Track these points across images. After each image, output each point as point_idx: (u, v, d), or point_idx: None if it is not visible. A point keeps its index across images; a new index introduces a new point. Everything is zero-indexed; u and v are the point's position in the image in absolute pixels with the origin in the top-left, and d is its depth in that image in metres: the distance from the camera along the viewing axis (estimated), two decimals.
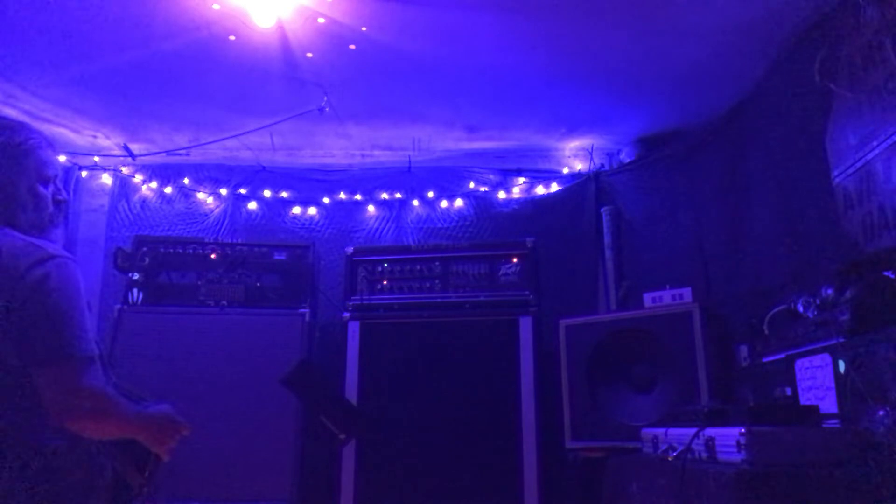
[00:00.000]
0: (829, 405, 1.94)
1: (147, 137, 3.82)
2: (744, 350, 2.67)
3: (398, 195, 4.06)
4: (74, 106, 3.44)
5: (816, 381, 2.04)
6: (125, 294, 3.23)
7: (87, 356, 1.39)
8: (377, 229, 4.02)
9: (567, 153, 4.06)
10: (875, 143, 2.21)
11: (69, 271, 1.45)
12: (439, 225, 4.01)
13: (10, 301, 1.37)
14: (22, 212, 1.53)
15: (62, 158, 3.82)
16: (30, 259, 1.41)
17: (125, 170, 3.97)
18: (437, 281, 3.27)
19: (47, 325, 1.37)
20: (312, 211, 4.03)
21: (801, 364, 2.14)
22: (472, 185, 4.07)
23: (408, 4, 2.59)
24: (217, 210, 3.98)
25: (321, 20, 2.68)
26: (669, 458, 1.88)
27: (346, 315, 3.20)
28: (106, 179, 3.98)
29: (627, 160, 3.91)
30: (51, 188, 1.61)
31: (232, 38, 2.80)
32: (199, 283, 3.28)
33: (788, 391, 2.21)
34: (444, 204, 4.04)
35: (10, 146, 1.55)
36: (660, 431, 2.05)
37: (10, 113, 3.34)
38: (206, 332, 3.13)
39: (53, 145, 1.67)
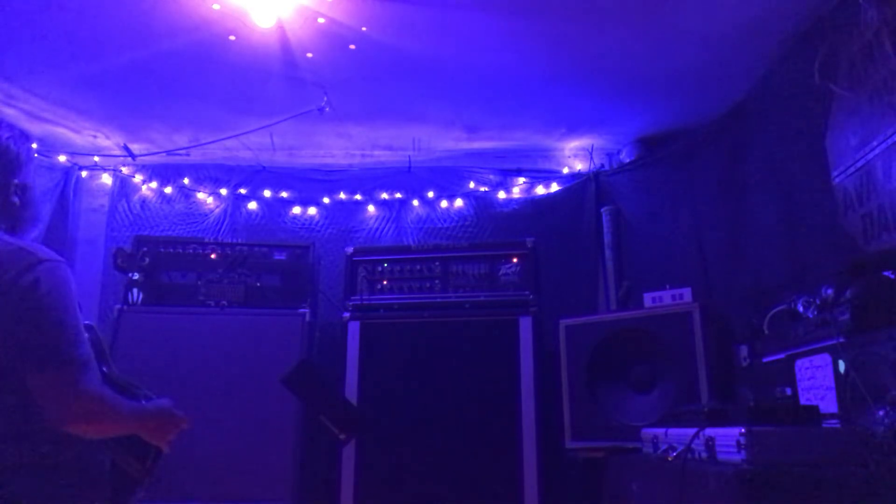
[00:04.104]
0: (829, 405, 1.94)
1: (147, 137, 3.82)
2: (744, 350, 2.67)
3: (398, 195, 4.06)
4: (74, 106, 3.45)
5: (816, 381, 2.04)
6: (125, 294, 3.23)
7: (82, 360, 1.38)
8: (377, 229, 4.02)
9: (567, 153, 4.06)
10: (875, 143, 2.21)
11: (60, 274, 1.43)
12: (439, 225, 4.01)
13: (1, 307, 1.35)
14: (7, 212, 1.51)
15: (62, 158, 3.83)
16: (19, 264, 1.38)
17: (125, 170, 3.97)
18: (437, 281, 3.27)
19: (41, 331, 1.36)
20: (312, 211, 4.03)
21: (801, 364, 2.14)
22: (472, 185, 4.07)
23: (408, 4, 2.59)
24: (217, 210, 3.98)
25: (321, 20, 2.68)
26: (669, 458, 1.88)
27: (346, 315, 3.20)
28: (106, 179, 3.98)
29: (627, 160, 3.91)
30: (29, 184, 1.58)
31: (232, 38, 2.80)
32: (199, 283, 3.28)
33: (788, 391, 2.21)
34: (444, 204, 4.04)
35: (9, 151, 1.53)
36: (660, 431, 2.05)
37: (10, 113, 3.34)
38: (206, 332, 3.13)
39: (30, 139, 1.64)
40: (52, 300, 1.38)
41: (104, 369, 1.61)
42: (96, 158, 3.93)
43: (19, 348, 1.35)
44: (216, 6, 2.60)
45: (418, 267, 3.29)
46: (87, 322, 1.65)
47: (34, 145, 1.64)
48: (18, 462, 1.36)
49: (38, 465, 1.38)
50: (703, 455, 1.75)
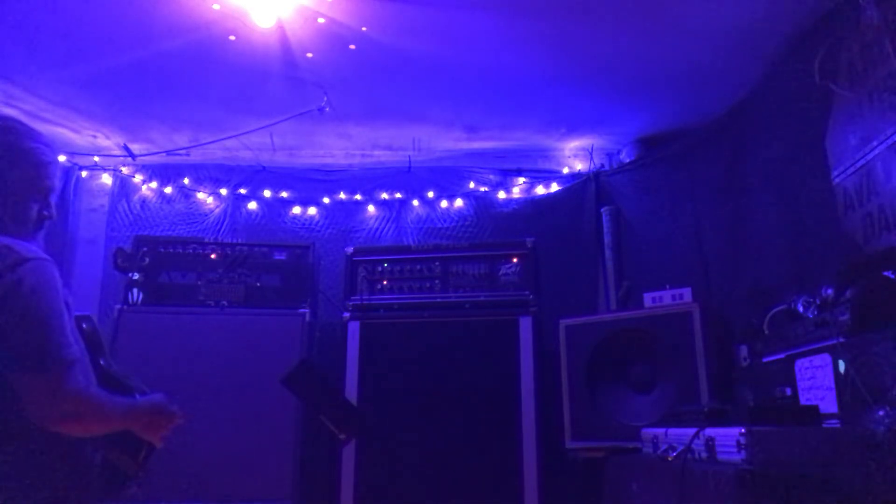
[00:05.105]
0: (829, 405, 1.94)
1: (147, 137, 3.82)
2: (744, 350, 2.67)
3: (398, 195, 4.06)
4: (74, 106, 3.44)
5: (816, 381, 2.04)
6: (125, 294, 3.23)
7: (67, 361, 1.37)
8: (377, 229, 4.02)
9: (567, 153, 4.06)
10: (875, 143, 2.21)
11: (44, 274, 1.41)
12: (439, 225, 4.01)
13: None
14: (35, 223, 1.52)
15: (62, 158, 3.82)
16: (3, 263, 1.38)
17: (125, 170, 3.97)
18: (437, 281, 3.27)
19: (26, 332, 1.35)
20: (312, 211, 4.03)
21: (801, 364, 2.14)
22: (472, 185, 4.07)
23: (408, 4, 2.59)
24: (217, 210, 3.98)
25: (321, 20, 2.68)
26: (669, 458, 1.88)
27: (346, 315, 3.20)
28: (106, 179, 3.98)
29: (627, 160, 3.91)
30: (40, 203, 1.57)
31: (232, 38, 2.80)
32: (199, 283, 3.28)
33: (788, 391, 2.21)
34: (444, 204, 4.04)
35: (15, 150, 1.53)
36: (660, 431, 2.05)
37: (10, 113, 3.34)
38: (206, 332, 3.13)
39: (57, 160, 1.65)
40: (35, 300, 1.37)
41: (101, 362, 1.61)
42: (96, 158, 3.92)
43: (5, 348, 1.34)
44: (216, 6, 2.60)
45: (418, 267, 3.29)
46: (84, 313, 1.64)
47: (64, 157, 1.65)
48: (8, 460, 1.36)
49: (28, 462, 1.37)
50: (703, 455, 1.75)
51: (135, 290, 3.24)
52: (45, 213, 1.59)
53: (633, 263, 3.74)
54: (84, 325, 1.60)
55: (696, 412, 1.94)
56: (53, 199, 1.62)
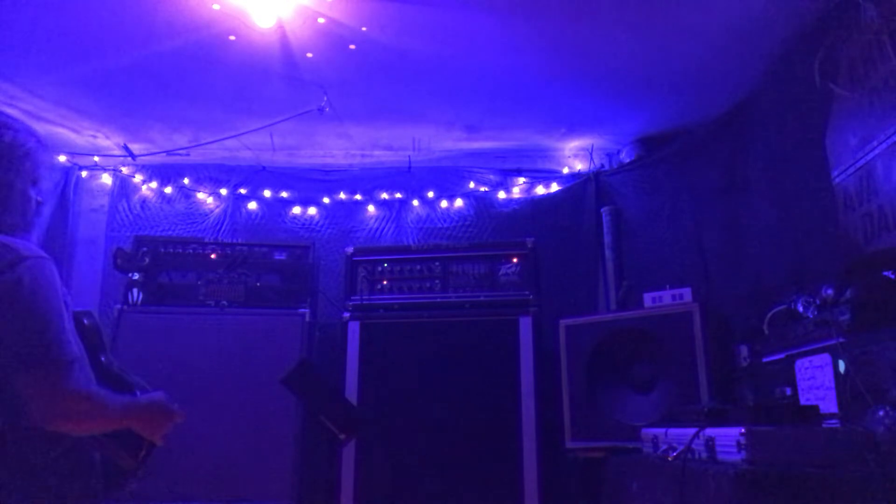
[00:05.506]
0: (829, 405, 1.94)
1: (147, 137, 3.82)
2: (744, 350, 2.67)
3: (398, 195, 4.06)
4: (74, 106, 3.45)
5: (816, 381, 2.04)
6: (125, 294, 3.23)
7: (67, 360, 1.36)
8: (377, 229, 4.02)
9: (567, 153, 4.06)
10: (875, 143, 2.21)
11: (43, 272, 1.41)
12: (439, 225, 4.01)
13: None
14: (7, 213, 1.50)
15: (62, 158, 3.82)
16: (1, 262, 1.37)
17: (125, 170, 3.97)
18: (437, 281, 3.27)
19: (25, 330, 1.34)
20: (312, 211, 4.03)
21: (801, 364, 2.14)
22: (472, 185, 4.07)
23: (408, 4, 2.59)
24: (217, 210, 3.98)
25: (321, 20, 2.68)
26: (669, 458, 1.88)
27: (346, 315, 3.20)
28: (106, 179, 3.98)
29: (627, 160, 3.91)
30: (34, 191, 1.58)
31: (232, 38, 2.80)
32: (199, 283, 3.28)
33: (788, 391, 2.21)
34: (444, 204, 4.04)
35: (11, 147, 1.54)
36: (660, 431, 2.05)
37: (11, 113, 3.33)
38: (206, 332, 3.13)
39: (47, 146, 1.65)
40: (35, 298, 1.36)
41: (102, 359, 1.60)
42: (96, 158, 3.93)
43: (4, 347, 1.33)
44: (216, 6, 2.60)
45: (418, 267, 3.29)
46: (85, 308, 1.64)
47: (64, 157, 1.66)
48: (6, 459, 1.36)
49: (27, 461, 1.37)
50: (703, 455, 1.75)
51: (135, 290, 3.24)
52: (39, 199, 1.60)
53: (633, 263, 3.73)
54: (85, 321, 1.60)
55: (696, 412, 1.94)
56: (43, 186, 1.62)
